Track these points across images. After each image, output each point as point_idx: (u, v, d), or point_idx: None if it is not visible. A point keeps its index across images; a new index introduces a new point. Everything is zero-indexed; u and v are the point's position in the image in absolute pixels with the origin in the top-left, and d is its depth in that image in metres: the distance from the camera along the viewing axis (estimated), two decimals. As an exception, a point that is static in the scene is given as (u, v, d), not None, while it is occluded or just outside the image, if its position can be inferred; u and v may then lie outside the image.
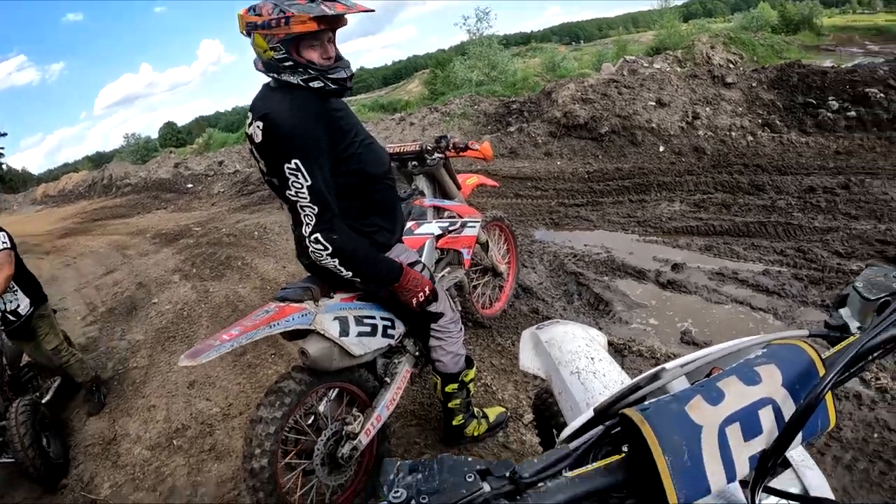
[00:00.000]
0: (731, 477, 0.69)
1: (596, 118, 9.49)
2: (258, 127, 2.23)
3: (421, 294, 2.63)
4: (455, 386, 2.93)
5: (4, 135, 65.98)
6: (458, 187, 3.75)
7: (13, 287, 4.36)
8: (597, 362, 1.33)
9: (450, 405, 2.98)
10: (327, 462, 2.57)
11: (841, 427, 2.84)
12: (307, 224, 2.25)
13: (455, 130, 13.16)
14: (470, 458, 0.72)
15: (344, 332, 2.48)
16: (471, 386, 3.05)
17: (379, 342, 2.66)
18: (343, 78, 2.35)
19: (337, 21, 2.25)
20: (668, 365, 0.90)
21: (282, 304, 2.45)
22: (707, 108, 8.90)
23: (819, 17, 32.01)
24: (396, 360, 2.92)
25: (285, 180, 2.20)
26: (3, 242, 4.28)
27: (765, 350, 0.78)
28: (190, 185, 19.40)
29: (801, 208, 5.58)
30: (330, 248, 2.29)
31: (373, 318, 2.64)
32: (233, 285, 7.15)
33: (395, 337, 2.77)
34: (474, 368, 3.08)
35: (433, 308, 2.74)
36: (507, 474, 0.69)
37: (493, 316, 4.33)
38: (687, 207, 6.38)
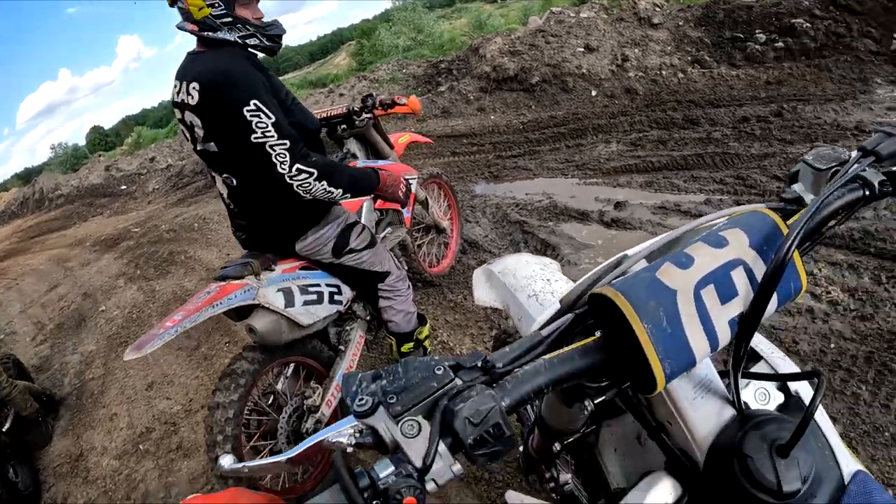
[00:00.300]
0: (714, 345, 0.68)
1: (526, 69, 9.45)
2: (194, 88, 2.17)
3: (402, 186, 2.72)
4: (411, 345, 2.96)
5: None
6: (391, 146, 3.70)
7: None
8: (553, 283, 1.37)
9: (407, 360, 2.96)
10: (293, 439, 2.56)
11: (797, 341, 2.91)
12: (282, 162, 2.20)
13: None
14: (437, 357, 0.71)
15: (289, 302, 2.45)
16: (426, 343, 3.09)
17: (327, 309, 2.64)
18: (279, 35, 2.38)
19: None
20: (629, 251, 0.89)
21: (222, 283, 2.40)
22: (636, 50, 8.94)
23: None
24: (348, 328, 2.92)
25: (246, 126, 2.13)
26: None
27: (727, 220, 0.78)
28: (124, 187, 18.91)
29: (737, 138, 5.66)
30: (315, 171, 2.26)
31: (318, 285, 2.62)
32: (179, 280, 7.08)
33: (343, 303, 2.76)
34: (427, 325, 3.12)
35: (378, 268, 2.76)
36: (479, 364, 0.69)
37: (441, 273, 4.32)
38: (624, 147, 6.42)
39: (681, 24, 9.31)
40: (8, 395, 4.46)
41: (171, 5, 2.25)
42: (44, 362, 6.08)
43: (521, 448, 1.55)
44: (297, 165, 2.21)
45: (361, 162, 3.45)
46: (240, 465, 0.80)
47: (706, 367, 0.79)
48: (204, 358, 4.77)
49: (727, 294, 0.68)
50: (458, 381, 0.67)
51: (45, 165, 53.33)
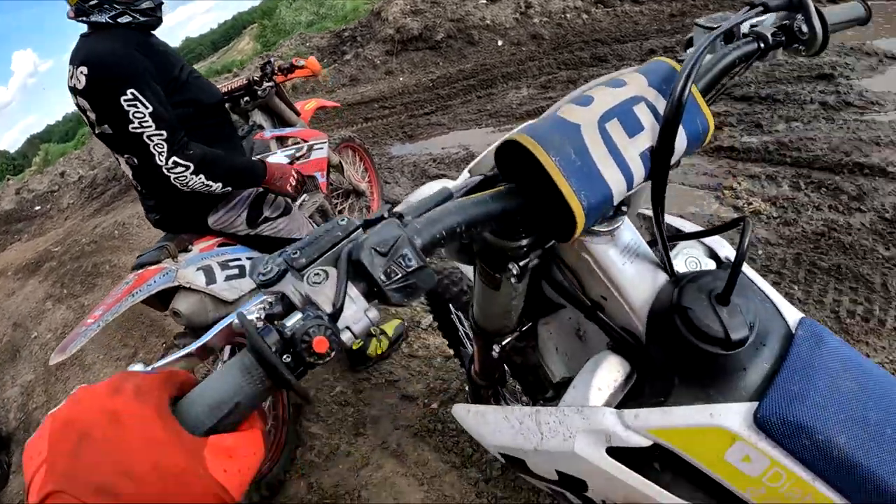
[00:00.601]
0: (628, 177, 0.67)
1: (430, 27, 9.38)
2: (82, 73, 2.09)
3: (291, 179, 2.63)
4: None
5: None
6: (297, 114, 3.63)
7: None
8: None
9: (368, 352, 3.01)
10: None
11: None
12: (160, 154, 2.14)
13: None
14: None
15: (211, 279, 2.38)
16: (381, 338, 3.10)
17: (251, 282, 2.55)
18: (150, 7, 2.26)
19: None
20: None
21: (140, 271, 2.35)
22: (538, -3, 8.92)
23: None
24: None
25: (124, 115, 2.07)
26: None
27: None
28: (38, 208, 18.24)
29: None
30: (192, 165, 2.20)
31: (238, 259, 2.56)
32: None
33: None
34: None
35: (297, 235, 2.70)
36: (386, 215, 0.67)
37: (366, 238, 4.20)
38: (535, 91, 6.43)
39: (582, -35, 9.34)
40: None
41: None
42: None
43: (467, 381, 1.57)
44: (174, 158, 2.16)
45: (268, 132, 3.37)
46: (149, 367, 0.72)
47: (631, 233, 0.80)
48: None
49: (633, 127, 0.68)
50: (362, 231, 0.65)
51: (-48, 201, 51.03)
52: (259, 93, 3.33)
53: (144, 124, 2.09)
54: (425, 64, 9.19)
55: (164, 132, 2.12)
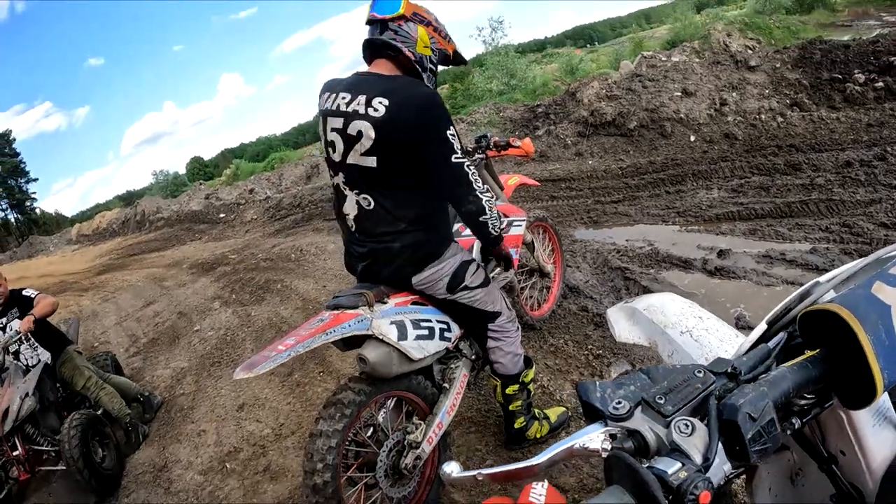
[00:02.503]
0: None
1: (623, 114, 9.39)
2: (380, 102, 2.23)
3: (512, 248, 2.97)
4: (516, 387, 2.88)
5: (35, 180, 67.63)
6: (501, 188, 3.69)
7: (34, 344, 4.74)
8: (706, 321, 1.31)
9: (510, 408, 2.94)
10: (390, 474, 2.53)
11: None
12: (476, 181, 2.38)
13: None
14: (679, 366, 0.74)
15: (402, 335, 2.43)
16: (531, 387, 3.00)
17: (437, 345, 2.61)
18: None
19: None
20: (821, 278, 0.91)
21: (336, 311, 2.40)
22: (734, 94, 8.81)
23: (831, -8, 31.12)
24: (454, 366, 2.86)
25: (450, 146, 2.27)
26: (36, 291, 4.87)
27: None
28: (222, 215, 19.60)
29: (841, 184, 5.46)
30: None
31: (429, 321, 2.59)
32: (274, 308, 7.16)
33: (452, 340, 2.72)
34: (534, 369, 3.04)
35: (490, 308, 2.70)
36: (728, 370, 0.72)
37: (541, 318, 4.26)
38: (725, 194, 6.26)
39: (778, 66, 9.12)
40: (96, 397, 4.79)
41: (371, 24, 2.39)
42: (135, 374, 6.26)
43: None
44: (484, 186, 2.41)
45: None
46: (472, 472, 0.77)
47: (884, 397, 0.79)
48: (297, 385, 4.81)
49: None
50: (718, 383, 0.70)
51: (147, 190, 55.38)
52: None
53: (461, 158, 2.29)
54: (616, 150, 9.15)
55: (473, 167, 2.36)
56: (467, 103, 20.56)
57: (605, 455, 0.66)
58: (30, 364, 4.73)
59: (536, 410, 3.11)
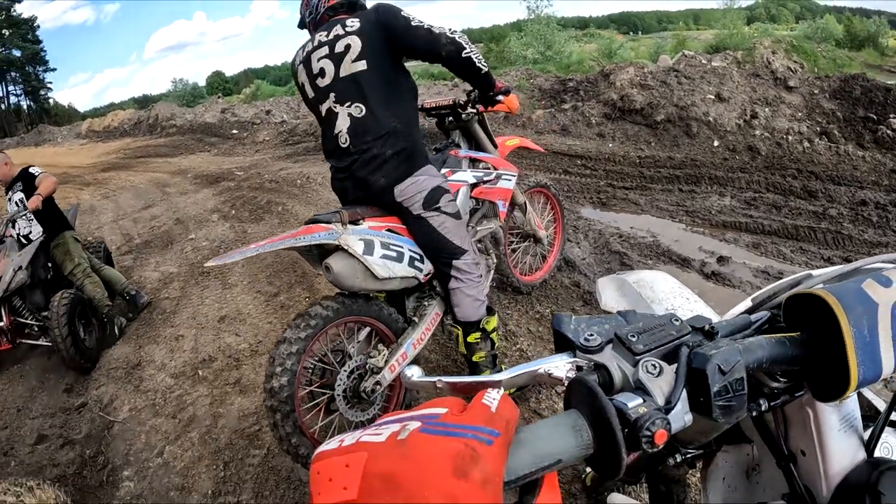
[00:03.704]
0: (894, 367, 0.69)
1: (653, 105, 9.31)
2: (354, 20, 2.68)
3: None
4: (477, 335, 2.92)
5: (53, 70, 67.55)
6: (495, 146, 3.69)
7: (30, 216, 4.87)
8: (692, 302, 1.30)
9: (474, 359, 2.96)
10: (350, 395, 2.60)
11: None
12: (448, 31, 2.67)
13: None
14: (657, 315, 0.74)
15: (368, 251, 2.52)
16: (494, 337, 3.02)
17: (405, 270, 2.68)
18: None
19: None
20: (814, 272, 0.91)
21: (310, 224, 2.55)
22: (766, 109, 8.71)
23: (885, 36, 30.71)
24: (426, 303, 2.94)
25: (406, 20, 2.64)
26: (41, 171, 5.03)
27: None
28: (235, 131, 19.47)
29: (853, 220, 5.43)
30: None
31: (400, 246, 2.68)
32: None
33: (423, 272, 2.79)
34: (496, 317, 3.06)
35: (456, 241, 2.79)
36: (706, 327, 0.71)
37: (532, 283, 4.29)
38: (737, 203, 6.25)
39: (816, 92, 9.00)
40: (80, 284, 4.97)
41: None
42: (124, 272, 6.31)
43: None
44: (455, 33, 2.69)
45: (464, 151, 3.48)
46: (432, 378, 0.76)
47: (854, 404, 0.81)
48: (281, 306, 4.89)
49: None
50: (693, 337, 0.70)
51: (164, 96, 55.21)
52: (463, 116, 3.41)
53: (422, 22, 2.63)
54: (637, 139, 9.11)
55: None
56: (499, 65, 20.37)
57: (564, 384, 0.67)
58: (21, 233, 4.87)
59: (503, 365, 3.15)
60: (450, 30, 2.66)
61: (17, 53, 62.86)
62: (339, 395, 2.56)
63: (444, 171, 3.15)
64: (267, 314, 4.80)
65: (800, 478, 0.81)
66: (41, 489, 2.46)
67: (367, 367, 2.61)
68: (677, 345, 0.68)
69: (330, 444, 0.50)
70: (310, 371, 2.58)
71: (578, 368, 0.69)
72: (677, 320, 0.71)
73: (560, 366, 0.70)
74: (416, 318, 2.87)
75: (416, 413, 0.51)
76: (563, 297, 4.30)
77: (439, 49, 2.64)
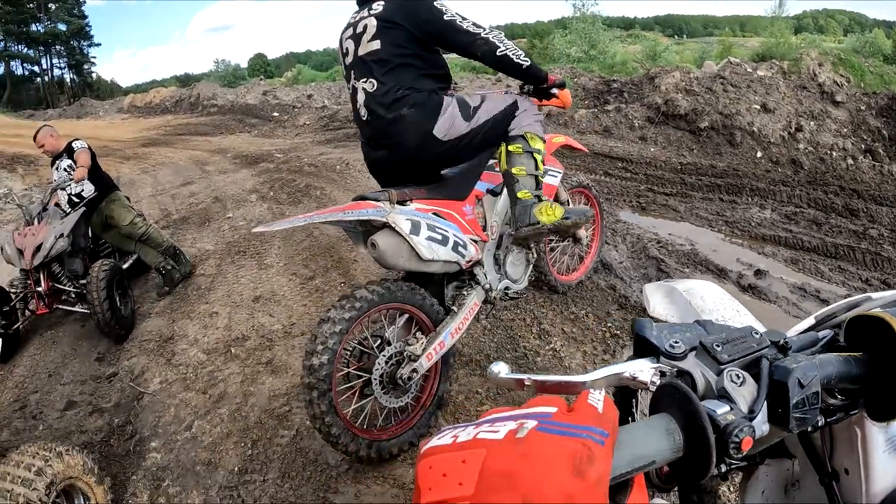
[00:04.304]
0: None
1: (697, 111, 9.18)
2: (379, 4, 2.76)
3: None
4: (519, 147, 2.92)
5: (98, 45, 68.60)
6: (543, 141, 3.68)
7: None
8: (742, 315, 1.29)
9: (513, 171, 2.91)
10: (386, 381, 2.63)
11: None
12: (482, 32, 2.73)
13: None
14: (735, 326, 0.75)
15: (415, 231, 2.54)
16: (537, 157, 2.97)
17: (448, 254, 2.69)
18: None
19: None
20: (873, 294, 0.91)
21: (358, 201, 2.59)
22: (811, 123, 8.56)
23: (936, 54, 29.94)
24: (465, 292, 2.96)
25: (438, 11, 2.71)
26: (83, 145, 5.18)
27: None
28: (276, 114, 19.66)
29: (893, 242, 5.31)
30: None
31: (446, 231, 2.69)
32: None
33: (465, 258, 2.80)
34: (543, 143, 3.04)
35: (503, 104, 2.95)
36: (781, 342, 0.72)
37: (568, 283, 4.28)
38: (778, 217, 6.16)
39: (863, 108, 8.82)
40: (144, 232, 5.31)
41: None
42: None
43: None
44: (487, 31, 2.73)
45: None
46: (521, 375, 0.78)
47: None
48: (316, 289, 4.91)
49: None
50: (771, 350, 0.71)
51: (205, 76, 55.78)
52: None
53: (454, 16, 2.69)
54: (680, 145, 9.02)
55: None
56: (542, 62, 20.30)
57: (653, 388, 0.68)
58: (73, 193, 5.07)
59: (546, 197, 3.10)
60: (485, 29, 2.72)
61: (62, 27, 64.21)
62: (375, 379, 2.58)
63: (492, 161, 3.19)
64: (302, 297, 4.83)
65: (841, 496, 0.82)
66: (69, 455, 2.50)
67: (405, 354, 2.63)
68: (758, 357, 0.69)
69: (442, 440, 0.50)
70: (348, 353, 2.61)
71: (662, 374, 0.71)
72: (757, 333, 0.72)
73: (645, 370, 0.72)
74: (454, 308, 2.89)
75: (528, 411, 0.52)
76: (599, 299, 4.27)
77: (475, 49, 2.72)
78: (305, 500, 2.70)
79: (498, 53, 2.72)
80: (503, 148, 2.93)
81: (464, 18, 2.71)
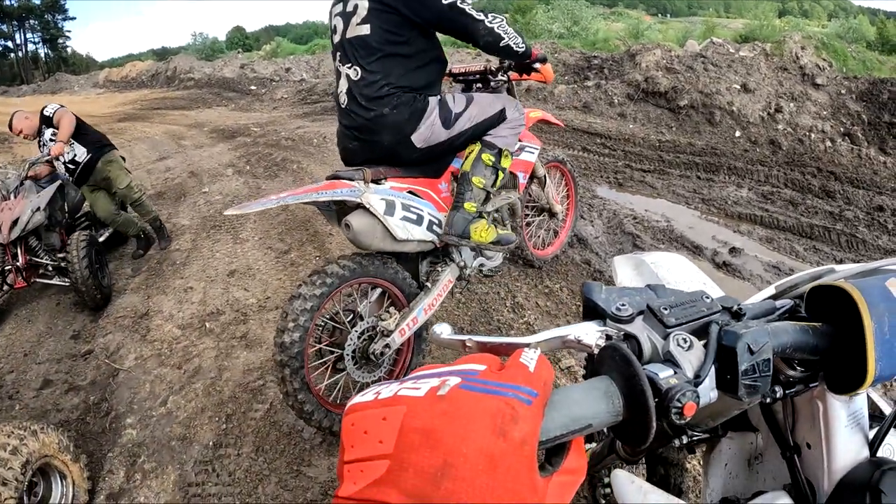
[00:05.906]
0: None
1: (677, 89, 9.19)
2: None
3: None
4: (491, 159, 2.86)
5: (73, 19, 67.51)
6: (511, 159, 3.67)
7: (70, 141, 5.02)
8: (709, 288, 1.29)
9: (473, 179, 2.83)
10: (358, 356, 2.62)
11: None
12: (486, 21, 2.61)
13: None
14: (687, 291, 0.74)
15: (389, 212, 2.52)
16: (501, 175, 2.95)
17: (423, 233, 2.68)
18: None
19: None
20: (837, 267, 0.91)
21: (333, 179, 2.53)
22: (791, 104, 8.60)
23: (919, 42, 30.06)
24: (440, 269, 2.94)
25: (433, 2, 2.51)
26: (56, 106, 5.18)
27: None
28: (253, 87, 19.49)
29: (868, 224, 5.37)
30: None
31: (420, 210, 2.68)
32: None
33: (440, 236, 2.78)
34: (511, 159, 3.03)
35: (491, 111, 2.87)
36: (734, 308, 0.72)
37: (544, 258, 4.29)
38: (754, 196, 6.20)
39: (843, 92, 8.86)
40: (137, 199, 5.46)
41: None
42: None
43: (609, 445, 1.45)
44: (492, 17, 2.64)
45: None
46: (462, 336, 0.76)
47: (862, 402, 0.80)
48: (291, 263, 4.91)
49: None
50: (722, 316, 0.70)
51: (182, 49, 55.05)
52: (492, 83, 3.31)
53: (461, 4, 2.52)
54: (659, 122, 9.02)
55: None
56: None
57: (597, 352, 0.66)
58: (66, 160, 5.11)
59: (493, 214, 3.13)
60: (489, 17, 2.62)
61: (36, 1, 62.88)
62: (348, 354, 2.57)
63: None
64: (277, 271, 4.83)
65: (803, 470, 0.82)
66: (45, 433, 2.48)
67: (377, 329, 2.62)
68: (708, 321, 0.68)
69: (365, 396, 0.49)
70: (320, 329, 2.60)
71: (608, 337, 0.69)
72: (708, 298, 0.71)
73: (590, 333, 0.70)
74: (428, 284, 2.88)
75: (454, 368, 0.50)
76: (573, 273, 4.30)
77: (477, 39, 2.61)
78: (280, 473, 2.71)
79: (501, 45, 2.65)
80: (476, 148, 2.86)
81: (463, 0, 2.55)
